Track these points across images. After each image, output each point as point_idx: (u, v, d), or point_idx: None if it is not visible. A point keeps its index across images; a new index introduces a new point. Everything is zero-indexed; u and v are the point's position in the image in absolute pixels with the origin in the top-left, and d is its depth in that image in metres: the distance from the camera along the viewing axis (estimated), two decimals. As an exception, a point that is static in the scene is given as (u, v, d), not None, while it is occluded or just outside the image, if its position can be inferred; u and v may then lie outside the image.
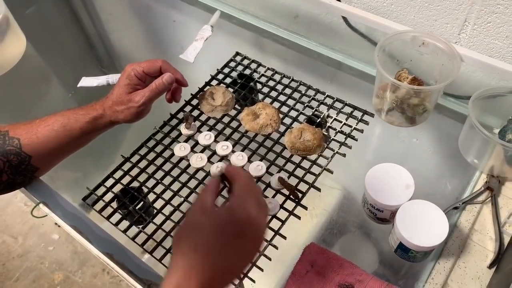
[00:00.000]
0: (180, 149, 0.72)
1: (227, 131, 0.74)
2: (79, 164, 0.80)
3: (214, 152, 0.72)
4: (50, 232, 1.61)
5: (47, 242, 1.59)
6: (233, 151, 0.71)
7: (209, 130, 0.74)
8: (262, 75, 0.83)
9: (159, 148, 0.73)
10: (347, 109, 0.76)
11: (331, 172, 0.68)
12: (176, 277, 0.41)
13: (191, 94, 0.80)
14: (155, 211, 0.66)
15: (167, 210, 0.66)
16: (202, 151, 0.72)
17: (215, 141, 0.73)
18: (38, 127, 0.62)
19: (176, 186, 0.68)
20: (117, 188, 0.69)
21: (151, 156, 0.72)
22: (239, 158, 0.70)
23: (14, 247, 1.58)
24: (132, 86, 0.65)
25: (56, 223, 1.58)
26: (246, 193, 0.47)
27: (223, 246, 0.43)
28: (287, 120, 0.75)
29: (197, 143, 0.73)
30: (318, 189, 0.66)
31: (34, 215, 0.93)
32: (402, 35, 0.75)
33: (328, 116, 0.75)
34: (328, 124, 0.74)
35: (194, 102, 0.79)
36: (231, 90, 0.80)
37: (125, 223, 0.65)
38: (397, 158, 0.69)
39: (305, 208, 0.65)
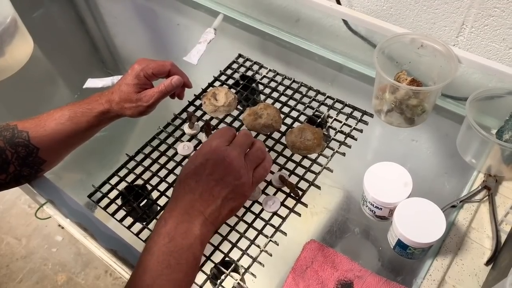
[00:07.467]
0: (184, 148, 0.73)
1: (230, 130, 0.76)
2: (85, 164, 0.81)
3: (216, 151, 0.73)
4: (54, 234, 1.62)
5: (50, 244, 1.60)
6: (235, 150, 0.72)
7: (213, 129, 0.76)
8: (264, 76, 0.84)
9: (163, 147, 0.74)
10: (347, 110, 0.77)
11: (331, 171, 0.69)
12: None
13: (195, 95, 0.81)
14: (159, 208, 0.67)
15: (170, 207, 0.67)
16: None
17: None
18: (46, 121, 0.64)
19: (179, 184, 0.69)
20: (122, 185, 0.70)
21: (155, 154, 0.73)
22: (241, 157, 0.71)
23: (18, 249, 1.59)
24: (141, 85, 0.68)
25: (59, 225, 1.60)
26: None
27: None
28: (288, 120, 0.76)
29: (200, 142, 0.74)
30: (318, 187, 0.68)
31: (38, 216, 0.95)
32: (401, 38, 0.76)
33: (329, 116, 0.76)
34: (328, 124, 0.75)
35: (197, 102, 0.81)
36: (233, 91, 0.81)
37: (129, 220, 0.66)
38: (396, 157, 0.70)
39: (305, 205, 0.66)
